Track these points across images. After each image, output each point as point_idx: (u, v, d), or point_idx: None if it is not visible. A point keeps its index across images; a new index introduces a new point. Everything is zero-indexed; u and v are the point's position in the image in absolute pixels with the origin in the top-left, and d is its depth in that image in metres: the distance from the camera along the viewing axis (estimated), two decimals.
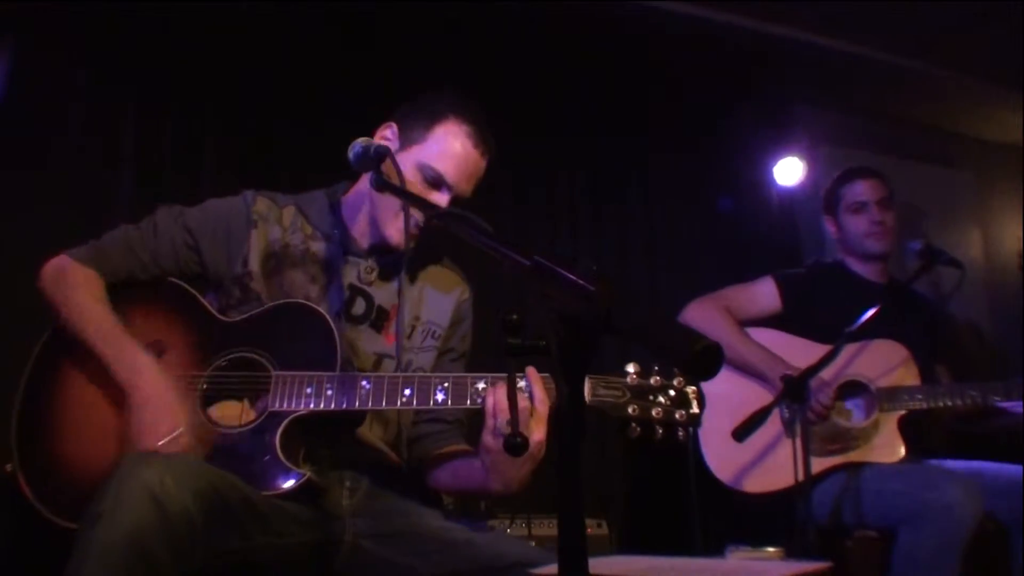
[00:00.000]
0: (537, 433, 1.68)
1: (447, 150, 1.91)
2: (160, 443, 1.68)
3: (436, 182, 1.90)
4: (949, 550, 2.33)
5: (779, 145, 4.16)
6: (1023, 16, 3.65)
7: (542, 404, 1.68)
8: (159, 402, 1.72)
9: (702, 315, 2.85)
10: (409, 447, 2.01)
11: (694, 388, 1.73)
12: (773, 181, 4.11)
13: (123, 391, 1.75)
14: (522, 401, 1.67)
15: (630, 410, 1.70)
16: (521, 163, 3.83)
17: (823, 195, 3.14)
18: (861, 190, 2.99)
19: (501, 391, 1.69)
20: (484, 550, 1.78)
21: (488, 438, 1.71)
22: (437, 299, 2.05)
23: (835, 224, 3.06)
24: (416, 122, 1.95)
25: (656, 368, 1.73)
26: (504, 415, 1.67)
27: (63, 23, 3.13)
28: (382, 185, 1.66)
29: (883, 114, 4.64)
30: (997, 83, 4.37)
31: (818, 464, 2.59)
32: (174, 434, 1.69)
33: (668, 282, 4.05)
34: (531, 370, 1.71)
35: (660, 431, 1.71)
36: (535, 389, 1.69)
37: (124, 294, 1.90)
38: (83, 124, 3.15)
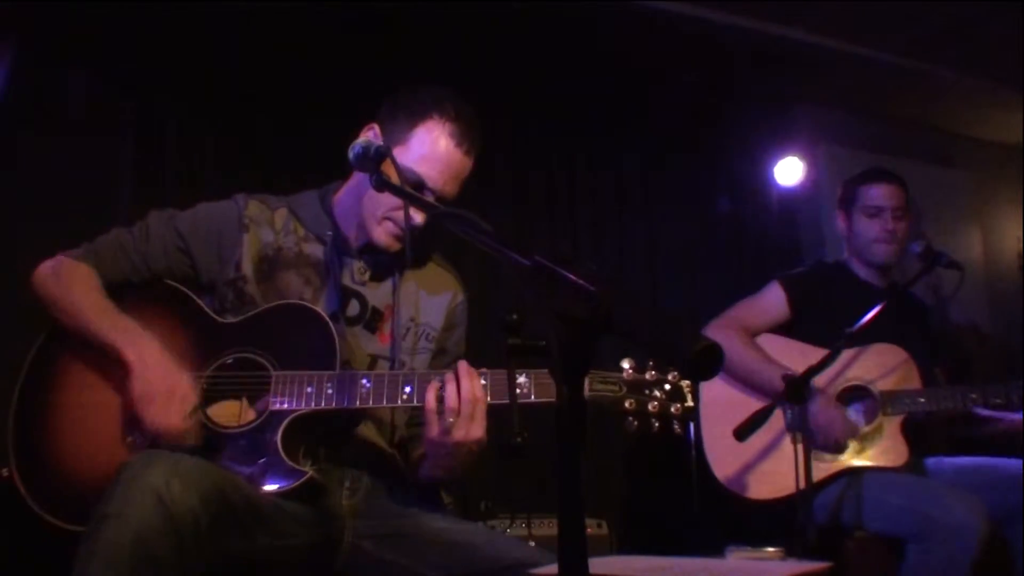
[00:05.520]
0: (476, 430, 1.69)
1: (429, 152, 1.87)
2: (174, 423, 1.71)
3: (418, 186, 1.86)
4: (959, 569, 2.32)
5: (779, 145, 4.16)
6: (1023, 16, 3.65)
7: (480, 401, 1.69)
8: (170, 381, 1.74)
9: (720, 342, 2.77)
10: (400, 451, 2.01)
11: (689, 382, 1.74)
12: (773, 181, 4.11)
13: (126, 377, 1.76)
14: (451, 401, 1.68)
15: (626, 404, 1.71)
16: (521, 163, 3.83)
17: (841, 188, 3.04)
18: (879, 194, 2.90)
19: (451, 389, 1.69)
20: (484, 551, 1.78)
21: (436, 434, 1.71)
22: (430, 300, 2.04)
23: (847, 222, 2.97)
24: (398, 122, 1.91)
25: (651, 363, 1.74)
26: (452, 415, 1.68)
27: (63, 23, 3.13)
28: (383, 186, 1.65)
29: (883, 114, 4.64)
30: (997, 83, 4.38)
31: (822, 469, 2.60)
32: (184, 422, 1.73)
33: (668, 282, 4.06)
34: (463, 364, 1.72)
35: (656, 425, 1.72)
36: (472, 384, 1.69)
37: (121, 296, 1.90)
38: (83, 125, 3.14)
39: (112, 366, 1.80)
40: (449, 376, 1.72)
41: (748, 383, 2.75)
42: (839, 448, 2.63)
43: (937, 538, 2.36)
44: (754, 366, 2.73)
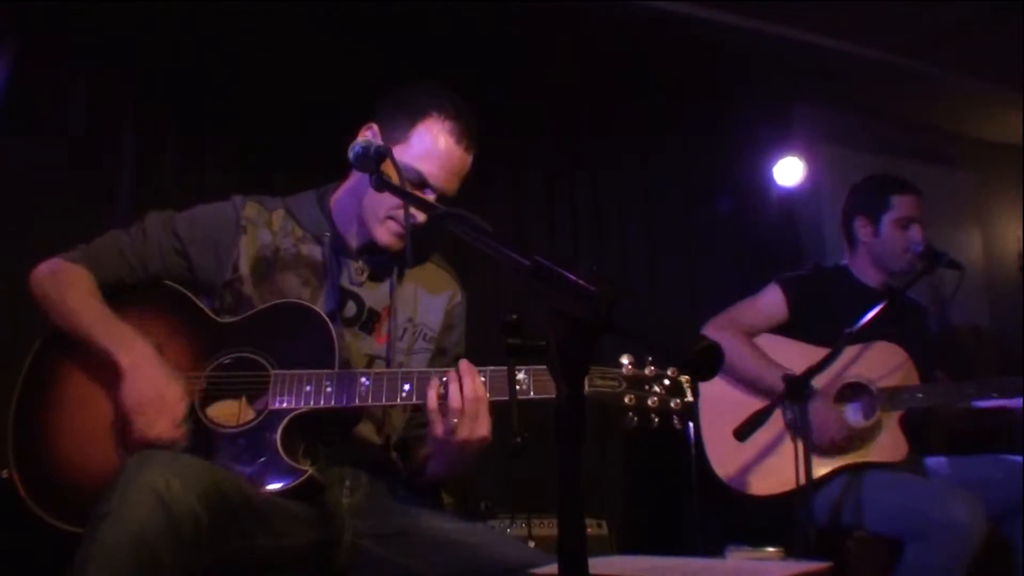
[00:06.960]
0: (480, 428, 1.70)
1: (429, 150, 1.88)
2: (164, 432, 1.70)
3: (419, 183, 1.87)
4: (956, 568, 2.33)
5: (779, 145, 4.16)
6: (1023, 16, 3.65)
7: (483, 400, 1.70)
8: (160, 390, 1.73)
9: (719, 342, 2.76)
10: (401, 453, 2.01)
11: (688, 377, 1.74)
12: (773, 181, 4.11)
13: (121, 383, 1.74)
14: (454, 401, 1.69)
15: (626, 400, 1.72)
16: (521, 163, 3.84)
17: (863, 193, 3.00)
18: (912, 205, 2.89)
19: (454, 388, 1.70)
20: (483, 551, 1.78)
21: (440, 432, 1.72)
22: (429, 300, 2.04)
23: (871, 227, 2.92)
24: (397, 121, 1.91)
25: (650, 359, 1.74)
26: (456, 414, 1.69)
27: (63, 24, 3.13)
28: (383, 186, 1.65)
29: (883, 114, 4.64)
30: (997, 83, 4.37)
31: (822, 465, 2.61)
32: (174, 431, 1.72)
33: (668, 282, 4.06)
34: (464, 363, 1.73)
35: (656, 420, 1.72)
36: (474, 382, 1.70)
37: (120, 297, 1.90)
38: (83, 126, 3.14)
39: (110, 369, 1.80)
40: (452, 375, 1.72)
41: (748, 383, 2.75)
42: (834, 448, 2.63)
43: (936, 537, 2.36)
44: (754, 367, 2.74)
